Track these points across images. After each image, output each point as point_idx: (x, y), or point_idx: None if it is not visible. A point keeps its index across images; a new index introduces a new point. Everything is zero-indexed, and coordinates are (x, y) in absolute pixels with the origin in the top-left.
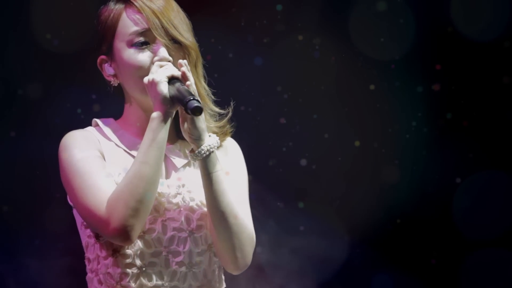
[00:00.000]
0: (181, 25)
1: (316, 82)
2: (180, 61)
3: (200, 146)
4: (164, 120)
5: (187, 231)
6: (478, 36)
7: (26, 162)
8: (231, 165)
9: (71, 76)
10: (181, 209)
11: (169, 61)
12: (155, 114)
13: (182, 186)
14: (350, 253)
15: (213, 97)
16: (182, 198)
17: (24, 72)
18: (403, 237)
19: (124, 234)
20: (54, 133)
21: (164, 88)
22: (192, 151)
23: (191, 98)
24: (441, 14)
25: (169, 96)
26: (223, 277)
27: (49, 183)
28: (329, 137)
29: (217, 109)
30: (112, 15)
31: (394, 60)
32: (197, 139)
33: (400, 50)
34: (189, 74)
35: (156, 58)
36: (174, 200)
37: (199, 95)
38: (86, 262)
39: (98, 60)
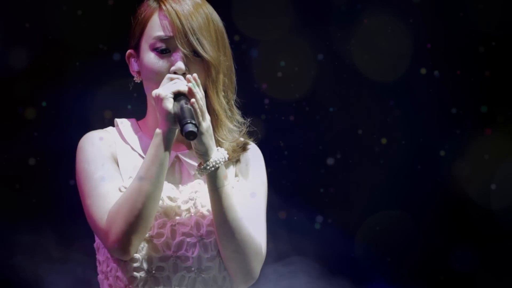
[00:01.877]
0: (206, 37)
1: (330, 77)
2: (188, 76)
3: (206, 161)
4: (167, 137)
5: (197, 237)
6: None
7: None
8: (250, 174)
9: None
10: (192, 214)
11: (184, 74)
12: (159, 130)
13: (195, 192)
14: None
15: (234, 113)
16: (194, 204)
17: None
18: (427, 243)
19: (122, 248)
20: (16, 122)
21: (169, 105)
22: (199, 165)
23: (188, 121)
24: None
25: (173, 113)
26: None
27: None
28: (350, 133)
29: (233, 127)
30: (145, 13)
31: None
32: (203, 154)
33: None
34: (196, 90)
35: (172, 68)
36: (186, 205)
37: (213, 112)
38: (97, 264)
39: (127, 53)
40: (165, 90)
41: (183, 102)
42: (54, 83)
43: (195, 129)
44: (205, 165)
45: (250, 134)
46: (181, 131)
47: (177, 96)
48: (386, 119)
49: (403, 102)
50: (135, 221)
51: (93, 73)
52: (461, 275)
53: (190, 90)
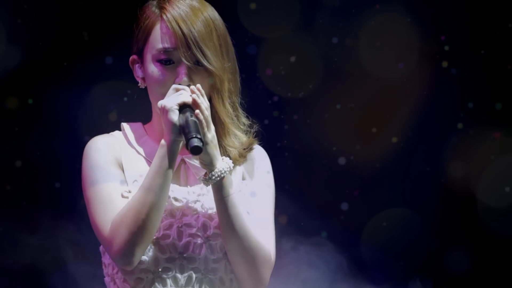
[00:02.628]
0: (209, 47)
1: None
2: (192, 87)
3: (211, 171)
4: (172, 148)
5: (203, 238)
6: None
7: None
8: (257, 178)
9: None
10: (199, 215)
11: (189, 85)
12: (164, 142)
13: (202, 195)
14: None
15: (239, 117)
16: (201, 205)
17: None
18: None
19: (124, 258)
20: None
21: (174, 117)
22: (205, 175)
23: (193, 136)
24: None
25: (178, 125)
26: None
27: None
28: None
29: (239, 134)
30: (148, 21)
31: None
32: (208, 164)
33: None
34: (200, 101)
35: (176, 80)
36: (193, 207)
37: (219, 120)
38: (103, 266)
39: (130, 59)
40: (171, 101)
41: (188, 114)
42: (42, 81)
43: (200, 144)
44: (210, 175)
45: (256, 134)
46: (186, 146)
47: (183, 107)
48: (396, 117)
49: (414, 98)
50: (138, 231)
51: (81, 72)
52: (468, 276)
53: (194, 101)
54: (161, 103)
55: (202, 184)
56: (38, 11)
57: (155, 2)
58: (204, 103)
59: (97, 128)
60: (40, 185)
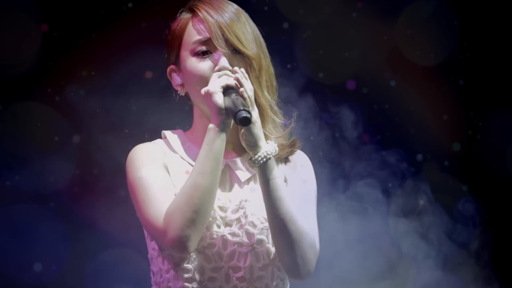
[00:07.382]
0: (244, 35)
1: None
2: (236, 68)
3: (257, 153)
4: (220, 131)
5: (248, 246)
6: None
7: None
8: (300, 180)
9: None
10: (242, 223)
11: (229, 71)
12: (211, 125)
13: (245, 201)
14: None
15: (278, 108)
16: (244, 213)
17: None
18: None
19: (181, 244)
20: None
21: (219, 99)
22: (250, 158)
23: (241, 109)
24: None
25: (224, 106)
26: None
27: None
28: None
29: (280, 120)
30: (179, 25)
31: None
32: (254, 145)
33: None
34: (244, 81)
35: (216, 68)
36: (236, 215)
37: (259, 106)
38: (151, 275)
39: (168, 70)
40: (214, 85)
41: (233, 95)
42: None
43: (248, 115)
44: (256, 156)
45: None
46: (235, 120)
47: (226, 90)
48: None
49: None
50: (192, 216)
51: None
52: None
53: (238, 80)
54: (204, 89)
55: (244, 190)
56: None
57: (185, 9)
58: (247, 84)
59: None
60: None
